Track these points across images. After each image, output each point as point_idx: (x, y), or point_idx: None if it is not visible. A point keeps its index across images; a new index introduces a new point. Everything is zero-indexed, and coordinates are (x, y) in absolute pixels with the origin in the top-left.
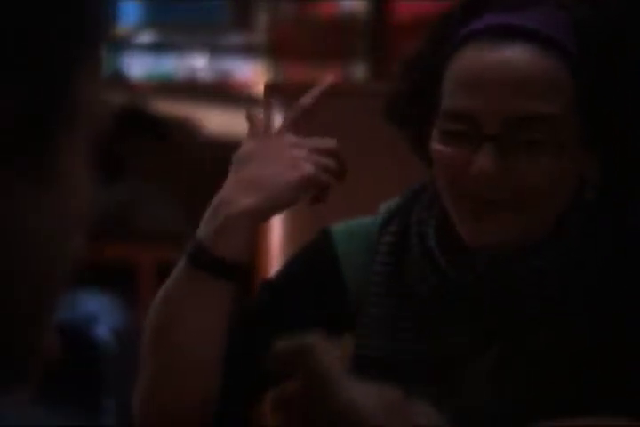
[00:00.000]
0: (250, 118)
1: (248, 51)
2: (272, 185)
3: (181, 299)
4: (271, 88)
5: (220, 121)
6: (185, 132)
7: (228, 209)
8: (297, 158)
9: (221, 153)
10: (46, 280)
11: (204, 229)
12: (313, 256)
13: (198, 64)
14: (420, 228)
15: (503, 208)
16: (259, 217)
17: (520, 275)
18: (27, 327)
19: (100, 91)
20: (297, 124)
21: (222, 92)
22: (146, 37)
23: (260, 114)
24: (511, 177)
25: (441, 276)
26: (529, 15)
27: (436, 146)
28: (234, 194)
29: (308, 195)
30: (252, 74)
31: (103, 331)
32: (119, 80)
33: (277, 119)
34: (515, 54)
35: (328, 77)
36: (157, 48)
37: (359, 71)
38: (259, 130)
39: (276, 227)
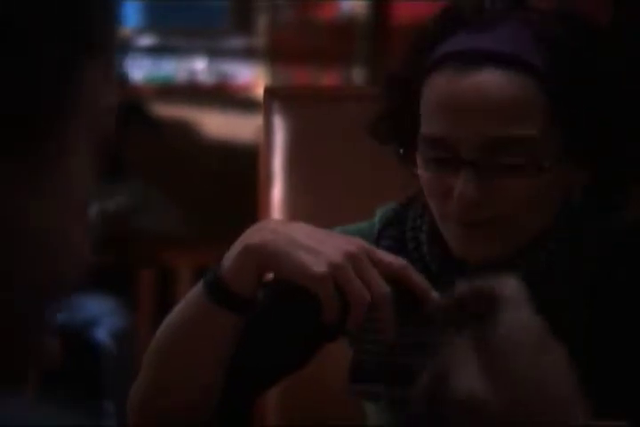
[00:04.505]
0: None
1: (248, 54)
2: (314, 247)
3: (189, 323)
4: (271, 91)
5: (220, 124)
6: (184, 135)
7: (249, 245)
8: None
9: (221, 156)
10: (48, 268)
11: (226, 261)
12: None
13: (198, 67)
14: (414, 233)
15: (488, 227)
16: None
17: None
18: (27, 321)
19: (108, 86)
20: None
21: (222, 96)
22: (146, 40)
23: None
24: (492, 199)
25: (433, 281)
26: (497, 35)
27: (420, 171)
28: (266, 235)
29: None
30: (252, 77)
31: (103, 334)
32: (119, 82)
33: (277, 122)
34: (485, 78)
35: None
36: (157, 51)
37: (359, 75)
38: None
39: None
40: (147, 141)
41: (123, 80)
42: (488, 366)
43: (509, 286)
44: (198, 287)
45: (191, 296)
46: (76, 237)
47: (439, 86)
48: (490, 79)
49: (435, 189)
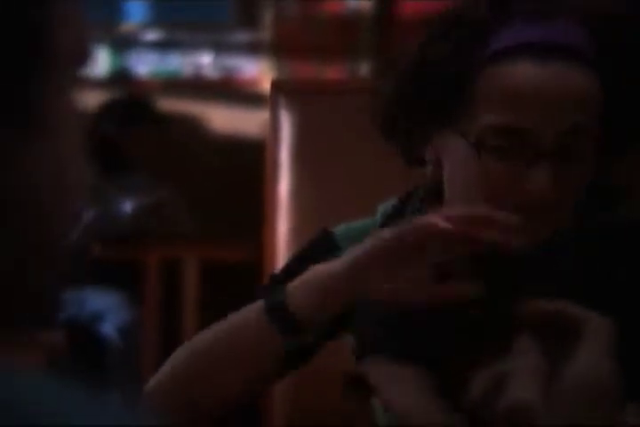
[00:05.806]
0: None
1: (253, 48)
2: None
3: (235, 336)
4: (277, 85)
5: (226, 118)
6: (190, 130)
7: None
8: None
9: (227, 150)
10: (53, 211)
11: (296, 281)
12: (318, 256)
13: (204, 61)
14: None
15: (539, 215)
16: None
17: (515, 271)
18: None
19: (78, 22)
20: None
21: (228, 90)
22: (152, 35)
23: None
24: (558, 189)
25: None
26: (560, 29)
27: (485, 163)
28: (339, 268)
29: None
30: (258, 71)
31: (109, 328)
32: (125, 77)
33: (283, 116)
34: (566, 70)
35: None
36: (163, 46)
37: (364, 69)
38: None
39: (282, 222)
40: (152, 137)
41: (127, 75)
42: (547, 385)
43: (600, 325)
44: (260, 306)
45: (251, 311)
46: (77, 178)
47: (516, 77)
48: (569, 71)
49: (500, 179)
